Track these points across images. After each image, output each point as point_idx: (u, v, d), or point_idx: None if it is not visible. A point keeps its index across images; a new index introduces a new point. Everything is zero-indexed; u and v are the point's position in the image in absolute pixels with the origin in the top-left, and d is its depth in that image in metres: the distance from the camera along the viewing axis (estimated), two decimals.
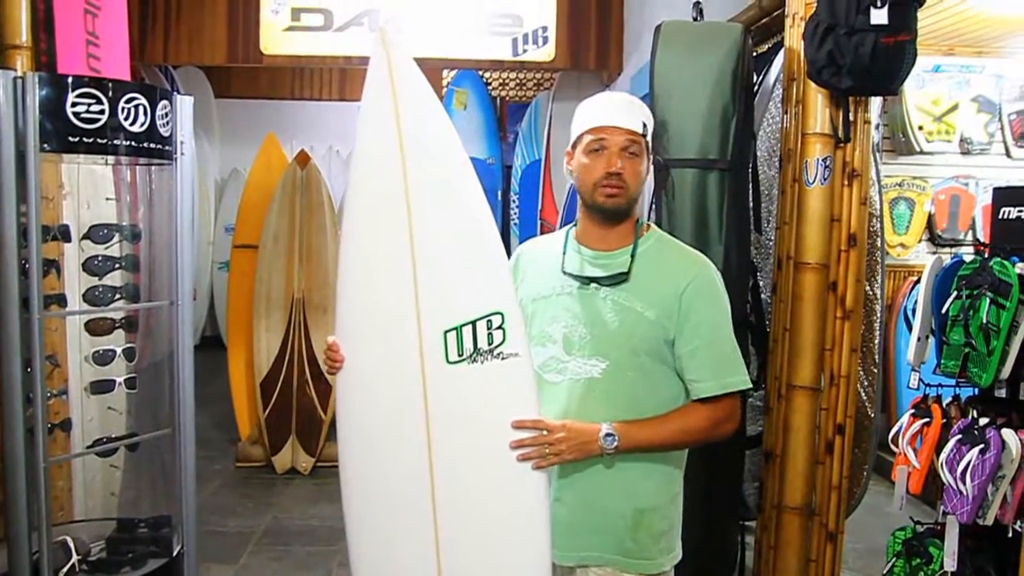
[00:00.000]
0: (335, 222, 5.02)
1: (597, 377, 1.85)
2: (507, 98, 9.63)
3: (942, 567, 2.21)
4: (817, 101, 2.93)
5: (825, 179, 2.95)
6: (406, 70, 1.74)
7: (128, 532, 2.46)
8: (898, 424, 2.37)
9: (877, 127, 5.01)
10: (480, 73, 8.48)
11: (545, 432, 1.77)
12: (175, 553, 2.40)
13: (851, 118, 2.94)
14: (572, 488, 1.87)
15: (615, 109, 1.85)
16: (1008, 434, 2.04)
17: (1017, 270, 1.99)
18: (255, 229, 5.01)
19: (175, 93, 2.34)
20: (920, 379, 2.36)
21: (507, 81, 9.50)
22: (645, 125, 1.85)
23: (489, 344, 1.76)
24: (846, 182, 2.98)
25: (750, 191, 3.11)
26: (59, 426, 2.32)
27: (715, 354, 1.85)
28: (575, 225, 1.97)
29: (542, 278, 1.94)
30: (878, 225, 3.25)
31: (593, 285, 1.88)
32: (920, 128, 5.01)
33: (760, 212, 3.28)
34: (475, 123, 8.65)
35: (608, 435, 1.78)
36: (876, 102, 3.00)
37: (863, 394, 3.27)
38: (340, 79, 9.25)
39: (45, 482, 2.13)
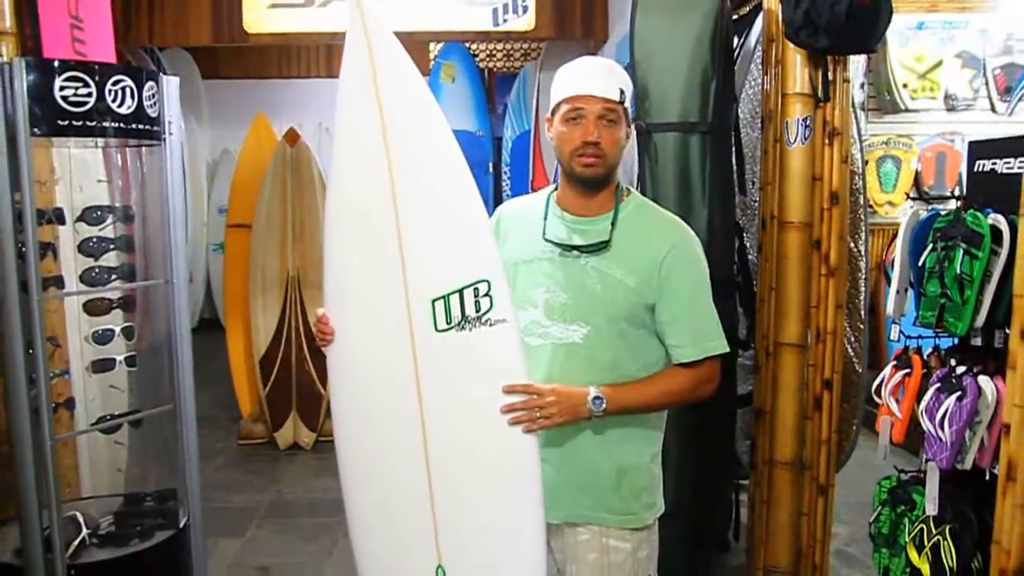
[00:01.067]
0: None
1: (579, 342, 1.90)
2: (495, 69, 9.59)
3: (924, 512, 2.28)
4: (796, 61, 2.96)
5: (806, 139, 2.99)
6: (383, 39, 1.77)
7: (135, 506, 2.53)
8: (881, 376, 2.43)
9: (862, 86, 5.05)
10: (467, 45, 8.44)
11: (535, 396, 1.82)
12: (182, 525, 2.47)
13: (830, 77, 2.98)
14: (557, 449, 1.93)
15: (592, 77, 1.87)
16: (984, 381, 2.10)
17: (990, 221, 2.04)
18: (248, 208, 5.05)
19: (161, 74, 2.37)
20: (901, 331, 2.42)
21: (494, 52, 9.46)
22: (623, 92, 1.87)
23: (476, 311, 1.81)
24: (827, 141, 3.02)
25: (733, 153, 3.15)
26: (63, 405, 2.38)
27: (694, 320, 1.90)
28: (556, 188, 2.02)
29: (524, 241, 1.98)
30: (860, 183, 3.29)
31: (574, 252, 1.92)
32: (905, 86, 5.05)
33: (744, 174, 3.32)
34: (464, 96, 8.63)
35: (596, 398, 1.83)
36: (857, 61, 3.02)
37: (850, 350, 3.33)
38: (327, 56, 9.24)
39: (52, 460, 2.19)
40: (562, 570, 2.01)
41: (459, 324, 1.81)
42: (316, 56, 9.30)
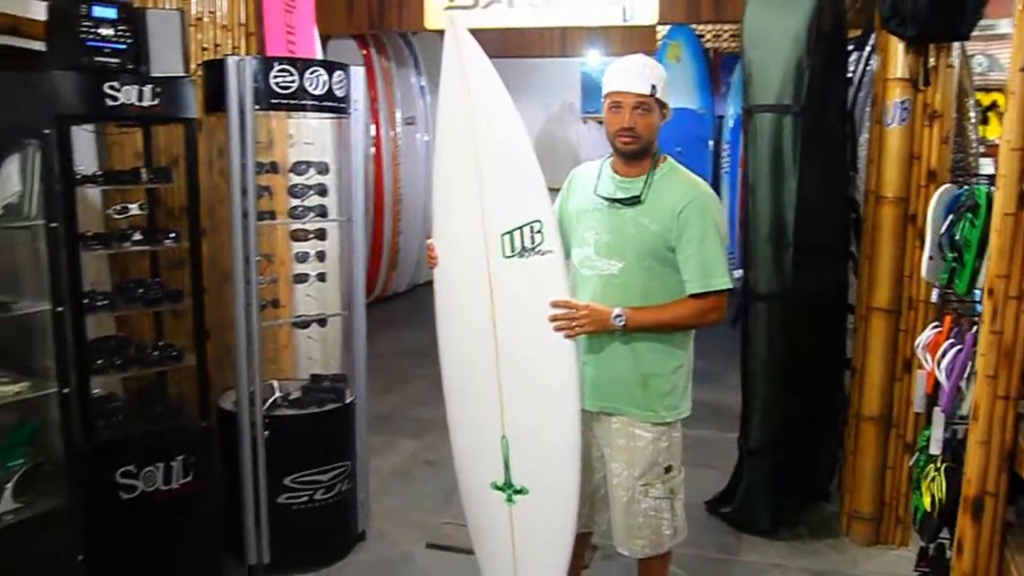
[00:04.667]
0: None
1: (616, 274, 2.48)
2: (720, 50, 9.83)
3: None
4: (897, 49, 3.24)
5: (903, 120, 3.26)
6: (471, 48, 2.42)
7: (317, 383, 3.41)
8: (922, 334, 2.73)
9: None
10: (693, 27, 8.78)
11: (572, 311, 2.41)
12: (347, 401, 3.32)
13: (932, 63, 3.22)
14: (596, 355, 2.53)
15: (628, 75, 2.42)
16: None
17: (987, 191, 2.32)
18: None
19: (350, 66, 3.18)
20: (940, 294, 2.69)
21: (720, 33, 9.69)
22: (654, 87, 2.40)
23: (532, 244, 2.41)
24: (927, 123, 3.27)
25: (839, 134, 3.46)
26: (270, 303, 3.28)
27: (702, 260, 2.41)
28: (611, 156, 2.57)
29: (584, 195, 2.58)
30: (974, 163, 3.47)
31: (617, 204, 2.49)
32: None
33: (857, 154, 3.61)
34: (687, 75, 8.97)
35: (618, 316, 2.40)
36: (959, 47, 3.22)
37: None
38: (560, 38, 9.93)
39: (258, 341, 3.09)
40: (602, 453, 2.60)
41: (519, 253, 2.43)
42: (550, 36, 10.00)
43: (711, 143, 9.19)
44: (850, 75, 3.90)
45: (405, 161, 8.41)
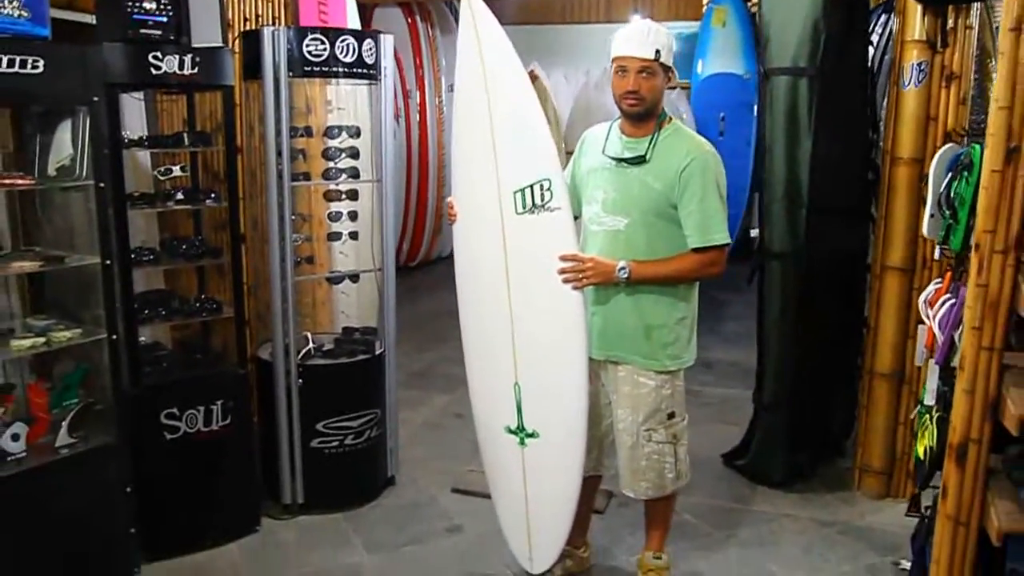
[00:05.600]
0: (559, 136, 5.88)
1: (622, 229, 2.62)
2: None
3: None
4: (916, 10, 3.28)
5: (919, 82, 3.30)
6: (485, 19, 2.55)
7: (348, 336, 3.61)
8: (925, 290, 2.80)
9: None
10: None
11: (579, 263, 2.55)
12: (377, 352, 3.51)
13: (950, 25, 3.25)
14: (603, 307, 2.67)
15: (632, 40, 2.54)
16: None
17: (980, 149, 2.38)
18: None
19: (379, 33, 3.34)
20: (942, 250, 2.76)
21: None
22: (658, 52, 2.52)
23: (542, 200, 2.56)
24: (944, 84, 3.30)
25: (858, 96, 3.51)
26: (305, 260, 3.48)
27: (702, 217, 2.53)
28: (619, 118, 2.69)
29: (594, 155, 2.71)
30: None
31: (623, 164, 2.61)
32: None
33: (877, 116, 3.66)
34: (733, 39, 8.91)
35: (622, 268, 2.54)
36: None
37: None
38: (606, 3, 9.95)
39: (293, 295, 3.30)
40: (609, 400, 2.75)
41: (531, 209, 2.58)
42: (595, 2, 10.02)
43: (756, 108, 9.11)
44: (878, 37, 3.94)
45: (450, 127, 8.55)
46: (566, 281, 2.56)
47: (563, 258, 2.55)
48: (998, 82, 2.09)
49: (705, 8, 9.34)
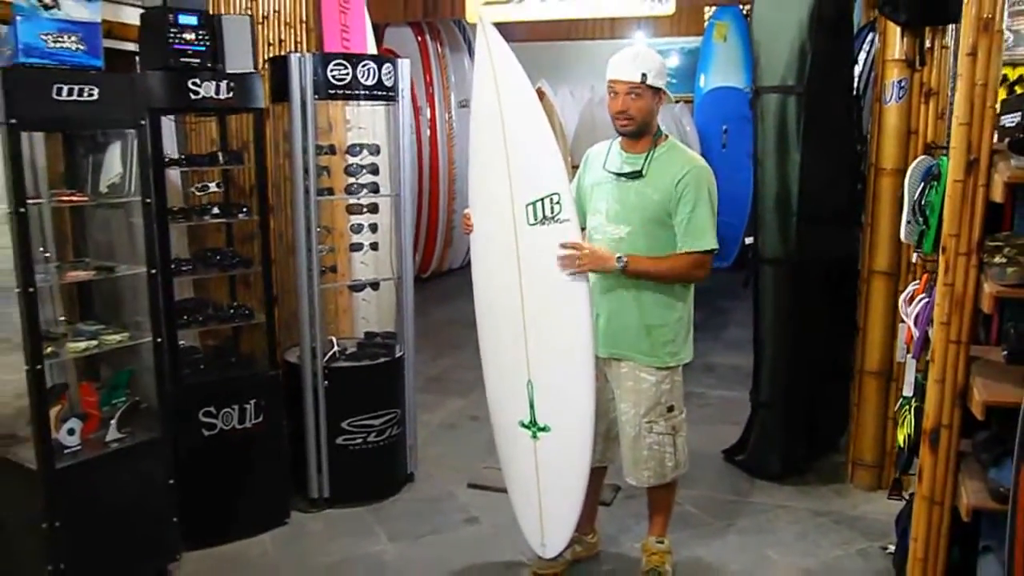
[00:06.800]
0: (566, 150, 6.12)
1: (624, 237, 2.86)
2: None
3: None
4: (896, 32, 3.52)
5: (900, 98, 3.54)
6: (498, 43, 2.79)
7: (370, 340, 3.86)
8: (905, 291, 3.04)
9: None
10: (740, 7, 8.99)
11: (577, 250, 2.76)
12: (397, 355, 3.76)
13: (927, 45, 3.49)
14: (607, 308, 2.91)
15: (621, 65, 2.80)
16: None
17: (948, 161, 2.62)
18: None
19: (397, 59, 3.60)
20: (918, 254, 3.00)
21: None
22: (644, 75, 2.76)
23: (552, 213, 2.79)
24: (923, 100, 3.54)
25: (843, 112, 3.75)
26: (329, 269, 3.73)
27: (693, 225, 2.78)
28: (619, 136, 2.93)
29: (596, 170, 2.96)
30: None
31: (623, 178, 2.86)
32: None
33: (863, 129, 3.90)
34: (734, 54, 9.19)
35: (620, 258, 2.78)
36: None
37: None
38: (610, 20, 10.19)
39: (319, 302, 3.55)
40: (613, 395, 2.98)
41: (541, 221, 2.81)
42: (601, 20, 10.26)
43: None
44: (865, 55, 4.18)
45: (460, 142, 8.80)
46: (564, 266, 2.76)
47: (563, 245, 2.76)
48: (957, 101, 2.34)
49: (707, 24, 9.62)
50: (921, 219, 2.77)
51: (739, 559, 3.32)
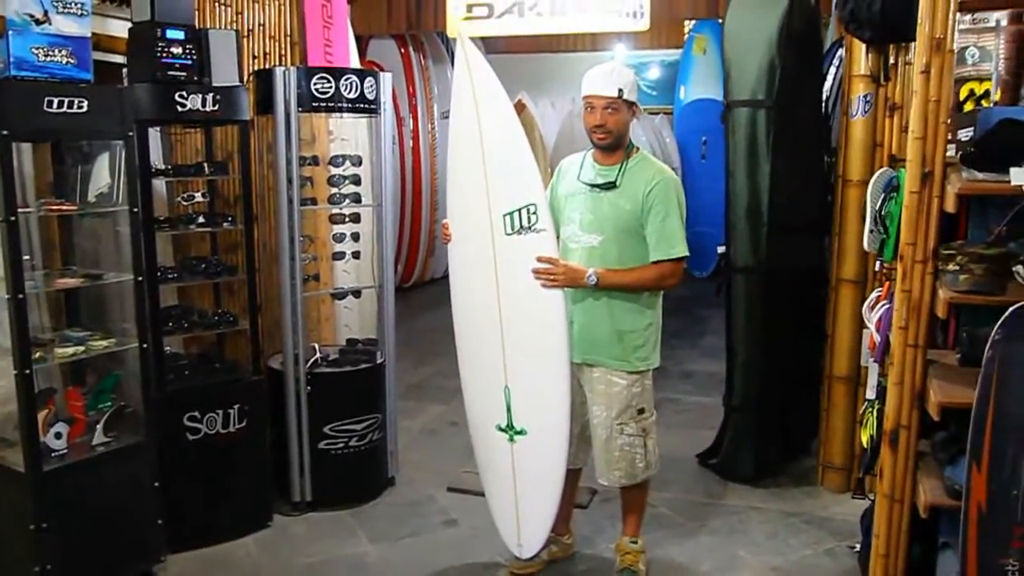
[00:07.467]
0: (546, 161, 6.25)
1: (596, 245, 2.96)
2: None
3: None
4: (861, 48, 3.65)
5: (866, 112, 3.67)
6: (477, 59, 2.89)
7: (352, 346, 3.95)
8: (868, 298, 3.15)
9: None
10: (720, 20, 9.13)
11: (552, 266, 2.87)
12: (378, 362, 3.85)
13: (891, 61, 3.62)
14: (580, 316, 3.01)
15: (597, 81, 2.91)
16: None
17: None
18: None
19: (379, 72, 3.69)
20: (880, 261, 3.12)
21: None
22: (621, 90, 2.87)
23: (528, 223, 2.89)
24: (888, 114, 3.67)
25: (812, 126, 3.88)
26: (312, 277, 3.81)
27: (662, 234, 2.89)
28: (592, 148, 3.04)
29: (570, 181, 3.06)
30: None
31: (596, 189, 2.96)
32: None
33: (831, 142, 4.03)
34: (713, 67, 9.29)
35: (590, 275, 2.88)
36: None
37: None
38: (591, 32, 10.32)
39: (301, 309, 3.63)
40: (585, 398, 3.08)
41: (518, 230, 2.91)
42: (582, 33, 10.39)
43: None
44: (835, 70, 4.31)
45: (442, 153, 8.90)
46: (538, 278, 2.87)
47: (540, 259, 2.86)
48: (912, 116, 2.45)
49: (686, 37, 9.78)
50: (882, 228, 2.89)
51: (711, 558, 3.41)
